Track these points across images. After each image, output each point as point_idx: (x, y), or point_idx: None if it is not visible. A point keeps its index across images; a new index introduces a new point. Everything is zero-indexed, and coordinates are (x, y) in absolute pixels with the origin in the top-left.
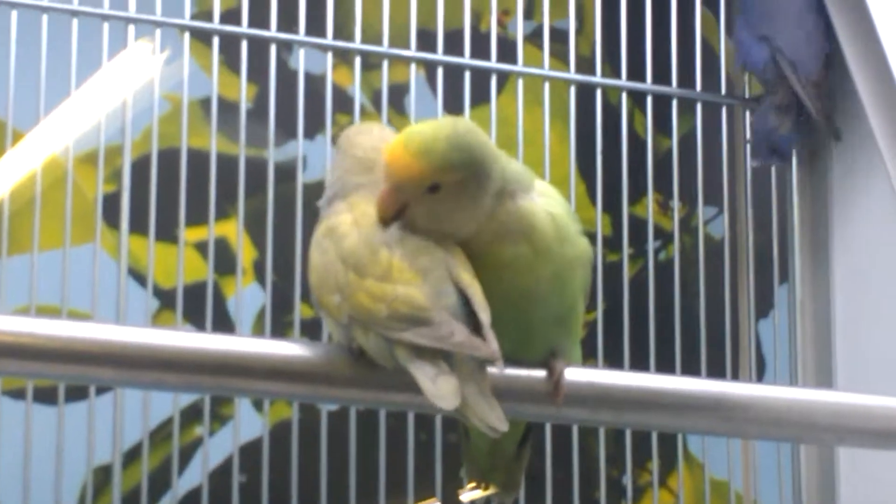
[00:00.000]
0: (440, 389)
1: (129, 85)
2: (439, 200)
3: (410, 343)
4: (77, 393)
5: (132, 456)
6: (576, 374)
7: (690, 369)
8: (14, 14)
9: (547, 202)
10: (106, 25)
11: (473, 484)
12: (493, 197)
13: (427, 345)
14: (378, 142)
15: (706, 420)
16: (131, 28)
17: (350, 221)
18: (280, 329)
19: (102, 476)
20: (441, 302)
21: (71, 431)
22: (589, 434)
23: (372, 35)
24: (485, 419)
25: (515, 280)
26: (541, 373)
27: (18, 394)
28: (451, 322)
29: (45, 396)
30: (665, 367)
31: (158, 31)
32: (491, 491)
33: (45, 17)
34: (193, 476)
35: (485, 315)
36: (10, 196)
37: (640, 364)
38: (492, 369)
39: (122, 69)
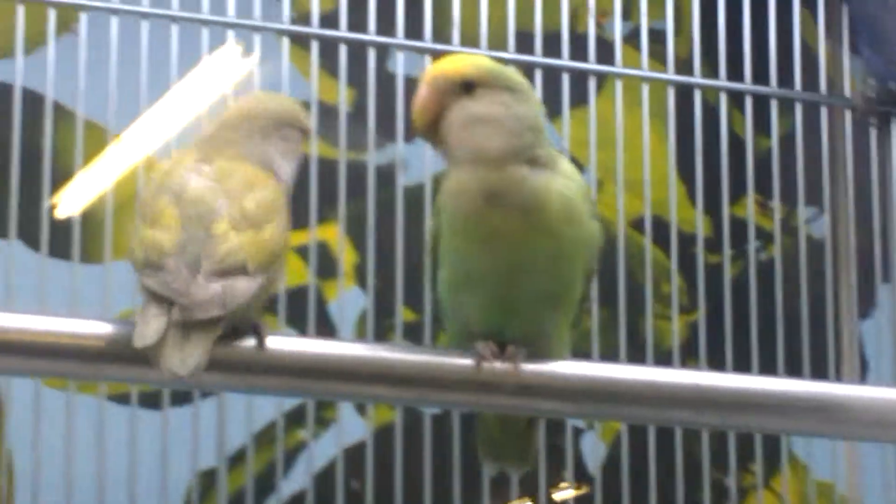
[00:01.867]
0: (143, 329)
1: (228, 90)
2: (474, 102)
3: (148, 288)
4: (181, 397)
5: (237, 460)
6: (679, 377)
7: (793, 370)
8: (114, 21)
9: (563, 182)
10: (206, 31)
11: (566, 484)
12: (519, 146)
13: (153, 289)
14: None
15: (811, 422)
16: (230, 33)
17: (163, 169)
18: (381, 332)
19: (207, 480)
20: (185, 250)
21: (176, 436)
22: (692, 435)
23: (470, 37)
24: (164, 362)
25: (507, 251)
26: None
27: (123, 398)
28: (182, 270)
29: (150, 401)
30: (767, 368)
31: (257, 36)
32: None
33: (144, 24)
34: (297, 479)
35: (206, 263)
36: (113, 197)
37: (742, 365)
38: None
39: (221, 74)
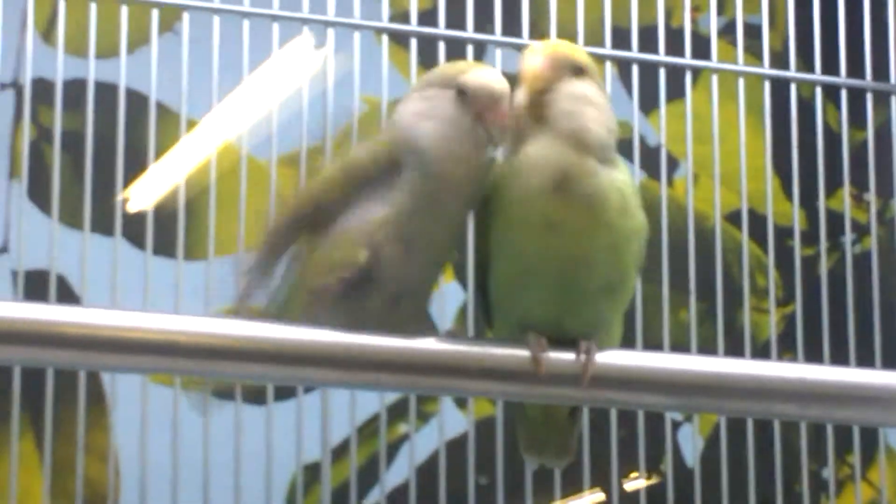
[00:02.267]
0: None
1: (328, 87)
2: (581, 85)
3: None
4: (285, 392)
5: (340, 453)
6: (784, 370)
7: (890, 361)
8: (216, 20)
9: (621, 178)
10: (306, 29)
11: (636, 474)
12: (609, 140)
13: None
14: None
15: None
16: (330, 31)
17: None
18: (481, 327)
19: (311, 473)
20: None
21: (280, 430)
22: (790, 427)
23: (566, 33)
24: None
25: (566, 245)
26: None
27: (228, 394)
28: None
29: (254, 396)
30: (864, 359)
31: (357, 34)
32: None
33: (245, 22)
34: (400, 472)
35: None
36: (215, 196)
37: (839, 357)
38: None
39: (321, 72)
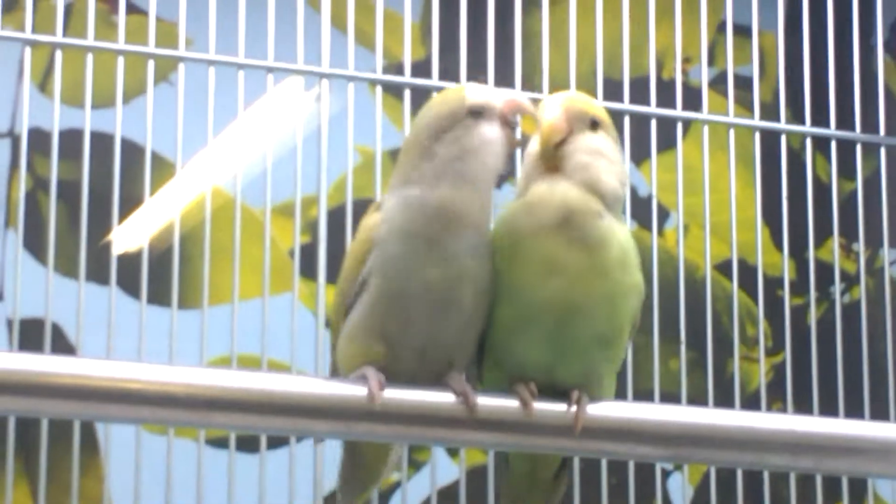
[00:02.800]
0: None
1: (322, 137)
2: (596, 139)
3: None
4: (278, 441)
5: (332, 501)
6: (775, 422)
7: (878, 411)
8: (212, 71)
9: (623, 232)
10: (302, 80)
11: None
12: (620, 192)
13: None
14: None
15: None
16: (325, 82)
17: None
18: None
19: None
20: None
21: (272, 478)
22: (779, 476)
23: (559, 85)
24: None
25: (565, 290)
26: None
27: (221, 443)
28: None
29: (247, 445)
30: (853, 409)
31: (351, 85)
32: None
33: (241, 73)
34: None
35: None
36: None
37: (828, 407)
38: None
39: (313, 122)
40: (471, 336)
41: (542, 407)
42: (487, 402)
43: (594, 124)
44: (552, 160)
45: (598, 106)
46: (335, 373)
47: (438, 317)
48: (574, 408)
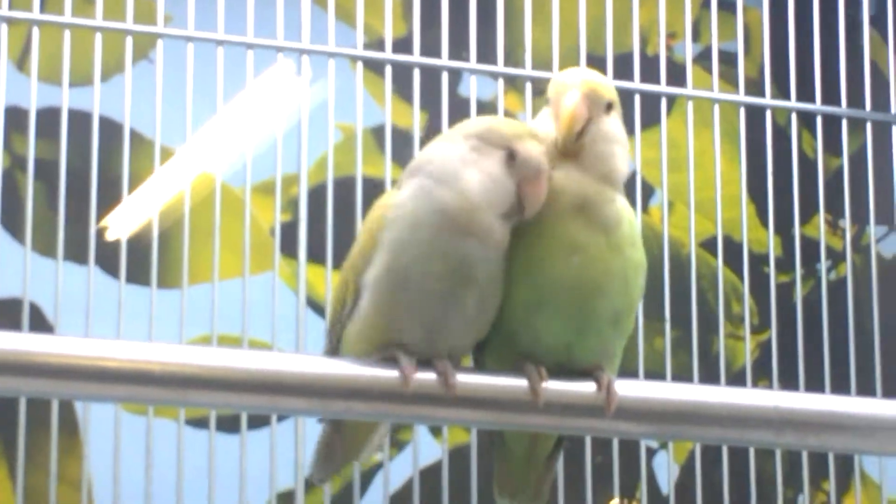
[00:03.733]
0: None
1: (303, 115)
2: (611, 122)
3: None
4: (259, 420)
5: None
6: (758, 398)
7: (864, 387)
8: (190, 47)
9: (628, 209)
10: (280, 56)
11: (617, 501)
12: (628, 172)
13: None
14: None
15: (890, 442)
16: (305, 59)
17: None
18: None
19: (285, 501)
20: None
21: (253, 458)
22: (765, 454)
23: (541, 61)
24: None
25: (587, 268)
26: (588, 385)
27: (201, 423)
28: None
29: (228, 425)
30: (839, 386)
31: (332, 62)
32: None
33: (220, 49)
34: (374, 500)
35: None
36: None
37: (814, 383)
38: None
39: (295, 99)
40: (471, 338)
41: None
42: (496, 382)
43: (609, 106)
44: (571, 147)
45: (609, 85)
46: (334, 352)
47: (440, 312)
48: (604, 392)
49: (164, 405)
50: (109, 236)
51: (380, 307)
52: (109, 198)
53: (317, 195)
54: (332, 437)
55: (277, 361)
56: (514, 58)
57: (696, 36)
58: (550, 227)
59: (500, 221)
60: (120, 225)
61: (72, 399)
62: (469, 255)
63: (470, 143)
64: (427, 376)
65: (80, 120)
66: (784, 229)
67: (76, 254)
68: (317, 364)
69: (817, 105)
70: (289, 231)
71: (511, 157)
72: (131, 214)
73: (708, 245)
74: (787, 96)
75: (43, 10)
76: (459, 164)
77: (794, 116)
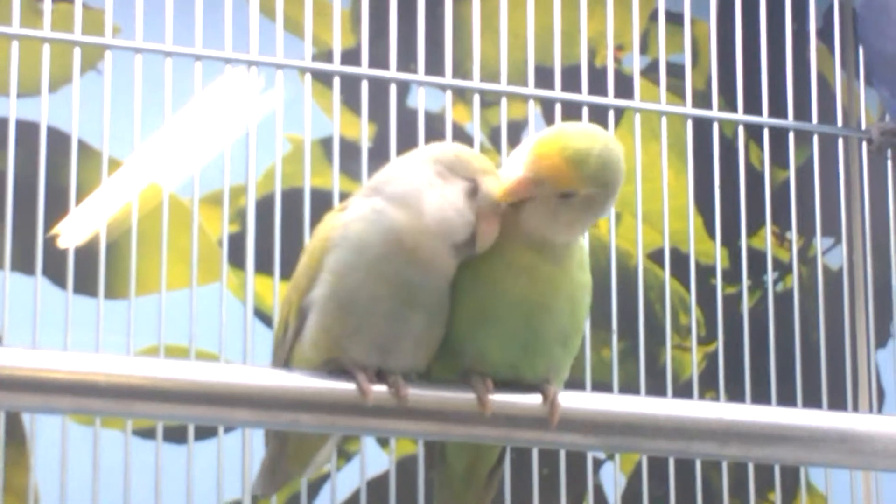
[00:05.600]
0: None
1: (251, 126)
2: (565, 207)
3: None
4: (206, 432)
5: None
6: (703, 410)
7: (811, 399)
8: (138, 59)
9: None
10: (228, 67)
11: None
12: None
13: None
14: None
15: (833, 453)
16: (253, 70)
17: None
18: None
19: None
20: None
21: (200, 469)
22: (712, 465)
23: (490, 73)
24: None
25: (535, 289)
26: (534, 397)
27: (149, 433)
28: None
29: (175, 435)
30: (785, 397)
31: (280, 73)
32: None
33: (168, 60)
34: None
35: None
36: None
37: (760, 395)
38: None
39: (243, 110)
40: (422, 357)
41: (500, 399)
42: (445, 395)
43: (567, 195)
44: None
45: (584, 175)
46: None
47: (388, 332)
48: (549, 404)
49: (110, 416)
50: (57, 246)
51: (326, 328)
52: (57, 208)
53: (265, 206)
54: (277, 453)
55: (223, 373)
56: (462, 70)
57: (644, 48)
58: (499, 248)
59: (451, 252)
60: (68, 235)
61: (17, 410)
62: (414, 281)
63: (436, 168)
64: (378, 388)
65: (27, 130)
66: (731, 241)
67: (23, 264)
68: (264, 376)
69: (764, 118)
70: (236, 242)
71: (473, 190)
72: (79, 225)
73: (655, 256)
74: (734, 109)
75: None
76: (422, 187)
77: (741, 129)
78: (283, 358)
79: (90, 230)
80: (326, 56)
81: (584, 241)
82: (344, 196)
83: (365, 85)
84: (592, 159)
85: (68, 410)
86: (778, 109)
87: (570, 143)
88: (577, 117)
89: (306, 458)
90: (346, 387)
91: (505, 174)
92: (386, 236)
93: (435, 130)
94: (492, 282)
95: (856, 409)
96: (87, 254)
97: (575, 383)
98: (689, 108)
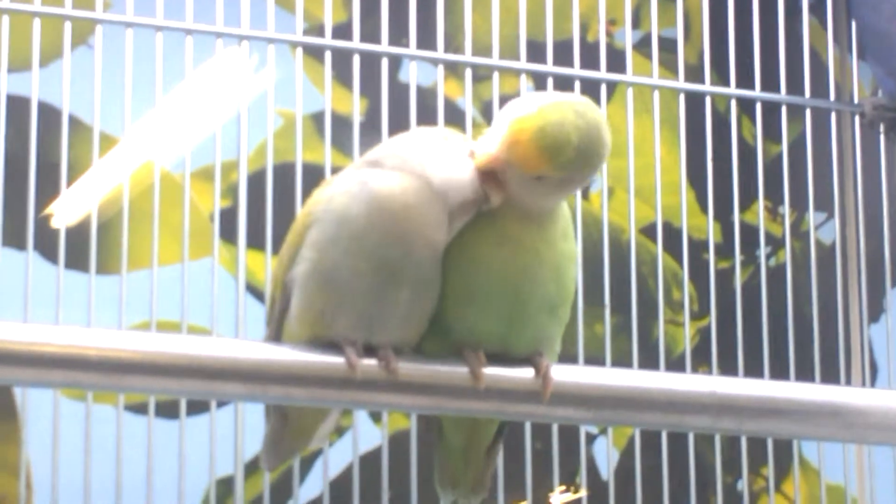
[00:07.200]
0: None
1: (243, 101)
2: (540, 185)
3: None
4: (198, 407)
5: (253, 467)
6: (696, 383)
7: (803, 374)
8: (129, 33)
9: (563, 205)
10: (220, 42)
11: (563, 487)
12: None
13: None
14: None
15: (826, 426)
16: (245, 44)
17: None
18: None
19: (224, 488)
20: None
21: (193, 444)
22: (704, 440)
23: (482, 47)
24: None
25: (519, 258)
26: (527, 370)
27: (141, 408)
28: None
29: (167, 411)
30: (778, 371)
31: (272, 48)
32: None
33: (159, 35)
34: (314, 486)
35: None
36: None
37: (753, 370)
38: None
39: (234, 85)
40: (412, 332)
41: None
42: (437, 368)
43: (541, 177)
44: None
45: (562, 162)
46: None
47: (374, 308)
48: (542, 377)
49: (102, 391)
50: (52, 224)
51: (308, 305)
52: (48, 183)
53: (256, 181)
54: (278, 427)
55: (215, 346)
56: (454, 44)
57: (637, 23)
58: (482, 219)
59: (445, 219)
60: (61, 216)
61: (8, 384)
62: (397, 255)
63: (438, 135)
64: (369, 362)
65: (18, 105)
66: (724, 216)
67: (15, 240)
68: (255, 349)
69: (757, 92)
70: (228, 217)
71: (472, 153)
72: (72, 205)
73: (648, 231)
74: (726, 83)
75: None
76: (426, 150)
77: (733, 103)
78: (273, 334)
79: (83, 210)
80: (318, 30)
81: (567, 211)
82: (336, 170)
83: (356, 59)
84: (569, 150)
85: (60, 384)
86: (770, 84)
87: (547, 131)
88: (570, 91)
89: (307, 433)
90: (335, 360)
91: (482, 145)
92: (370, 208)
93: (427, 105)
94: (475, 253)
95: (848, 383)
96: (78, 229)
97: (568, 358)
98: (681, 83)
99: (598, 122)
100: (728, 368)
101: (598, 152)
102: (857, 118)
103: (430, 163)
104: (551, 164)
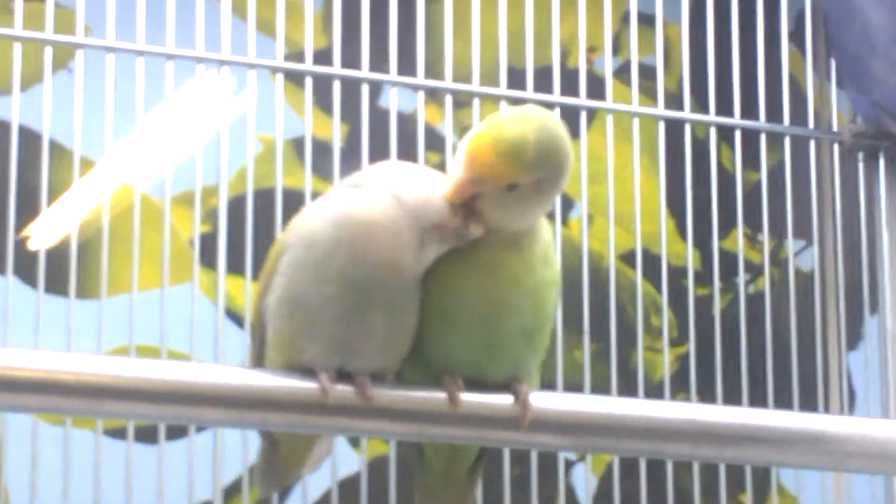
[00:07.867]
0: None
1: (223, 126)
2: (514, 197)
3: None
4: (177, 431)
5: (232, 491)
6: (675, 411)
7: (782, 401)
8: (110, 58)
9: (542, 226)
10: (200, 67)
11: None
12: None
13: None
14: None
15: (805, 454)
16: (225, 70)
17: None
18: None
19: None
20: None
21: (171, 469)
22: (683, 467)
23: (462, 74)
24: None
25: (495, 285)
26: (506, 397)
27: (119, 433)
28: None
29: (146, 435)
30: (757, 399)
31: (252, 73)
32: None
33: (140, 60)
34: None
35: None
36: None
37: (731, 396)
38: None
39: (215, 110)
40: (391, 359)
41: (471, 399)
42: (414, 394)
43: (512, 187)
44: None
45: (524, 165)
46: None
47: (347, 336)
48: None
49: (80, 415)
50: (30, 246)
51: (280, 331)
52: (28, 207)
53: (236, 206)
54: (269, 452)
55: (193, 372)
56: (434, 70)
57: (616, 50)
58: (462, 252)
59: (418, 245)
60: (39, 237)
61: None
62: (366, 280)
63: (419, 165)
64: (345, 388)
65: None
66: (703, 243)
67: None
68: (234, 375)
69: (736, 119)
70: (208, 242)
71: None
72: (50, 226)
73: (627, 258)
74: (706, 110)
75: None
76: (404, 173)
77: (712, 130)
78: (256, 362)
79: (61, 232)
80: (298, 56)
81: (549, 234)
82: (316, 196)
83: (337, 85)
84: (529, 148)
85: (37, 409)
86: (750, 111)
87: (503, 136)
88: None
89: (300, 457)
90: (310, 386)
91: (450, 174)
92: (336, 228)
93: (407, 131)
94: (452, 279)
95: (827, 410)
96: (58, 253)
97: (547, 384)
98: (661, 110)
99: (555, 125)
100: (707, 395)
101: (560, 148)
102: (836, 146)
103: (403, 183)
104: (515, 164)
